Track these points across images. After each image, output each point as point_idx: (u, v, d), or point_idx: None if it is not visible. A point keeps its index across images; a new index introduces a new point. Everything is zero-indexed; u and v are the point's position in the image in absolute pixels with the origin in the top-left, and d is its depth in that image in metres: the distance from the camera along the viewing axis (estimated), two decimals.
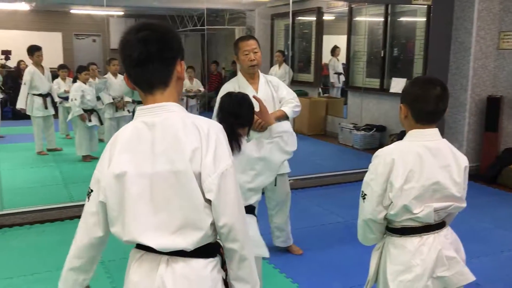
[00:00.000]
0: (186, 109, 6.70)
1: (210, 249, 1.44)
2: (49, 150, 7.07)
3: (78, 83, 6.43)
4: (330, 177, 5.88)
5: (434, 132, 1.97)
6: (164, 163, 1.36)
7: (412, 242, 1.95)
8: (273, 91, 3.46)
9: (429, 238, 1.95)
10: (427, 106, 1.92)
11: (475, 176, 6.00)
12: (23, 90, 6.74)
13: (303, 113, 8.97)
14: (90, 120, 6.50)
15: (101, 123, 6.79)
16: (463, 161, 1.98)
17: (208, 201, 1.37)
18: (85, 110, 6.46)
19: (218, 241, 1.47)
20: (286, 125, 2.56)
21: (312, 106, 9.02)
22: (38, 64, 6.78)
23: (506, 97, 5.90)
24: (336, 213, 4.82)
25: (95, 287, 3.24)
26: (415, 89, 1.97)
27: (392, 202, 1.92)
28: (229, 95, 2.50)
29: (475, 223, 4.48)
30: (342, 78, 9.45)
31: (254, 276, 1.48)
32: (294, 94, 3.54)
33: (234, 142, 2.28)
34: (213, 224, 1.40)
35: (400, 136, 6.87)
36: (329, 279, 3.42)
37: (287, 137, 2.47)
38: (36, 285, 3.34)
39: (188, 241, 1.38)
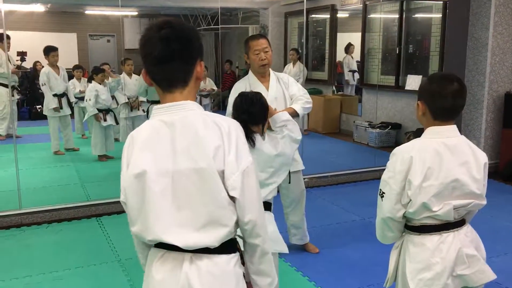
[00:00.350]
0: None
1: (231, 245, 1.44)
2: (66, 149, 7.13)
3: (93, 83, 6.48)
4: (346, 175, 5.85)
5: (452, 129, 1.95)
6: (185, 161, 1.36)
7: (431, 240, 1.93)
8: (284, 88, 3.46)
9: (449, 236, 1.93)
10: (445, 102, 1.91)
11: (493, 174, 5.92)
12: (46, 90, 6.82)
13: (318, 112, 8.96)
14: (105, 120, 6.53)
15: (117, 122, 6.83)
16: (483, 158, 1.95)
17: (232, 198, 1.38)
18: (100, 110, 6.49)
19: (236, 237, 1.49)
20: (286, 115, 2.62)
21: (326, 104, 8.98)
22: (53, 65, 6.84)
23: None
24: (352, 211, 4.79)
25: (113, 285, 3.30)
26: (432, 86, 1.95)
27: (411, 200, 1.90)
28: (241, 94, 2.53)
29: (494, 221, 4.42)
30: (357, 75, 9.37)
31: (273, 270, 1.51)
32: (305, 91, 3.53)
33: (249, 140, 2.32)
34: (236, 221, 1.41)
35: (416, 133, 6.82)
36: (346, 278, 3.40)
37: (292, 125, 2.57)
38: (55, 282, 3.37)
39: (213, 238, 1.38)
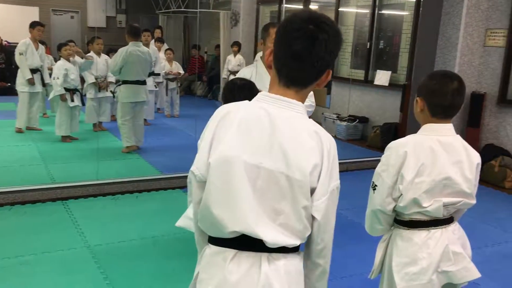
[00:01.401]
0: (166, 92, 6.68)
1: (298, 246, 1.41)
2: (28, 128, 6.86)
3: (62, 61, 6.22)
4: None
5: (448, 127, 1.98)
6: (280, 162, 1.30)
7: (419, 235, 1.96)
8: None
9: (437, 232, 1.96)
10: (444, 100, 1.93)
11: None
12: (22, 61, 6.57)
13: None
14: (72, 100, 6.30)
15: (83, 103, 6.61)
16: (476, 158, 1.99)
17: (311, 216, 1.34)
18: (67, 90, 6.26)
19: None
20: None
21: None
22: (35, 40, 6.71)
23: (489, 94, 6.01)
24: None
25: (83, 271, 3.20)
26: (432, 83, 1.97)
27: (402, 194, 1.92)
28: (232, 82, 2.50)
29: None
30: None
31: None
32: (311, 92, 3.49)
33: None
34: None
35: (383, 128, 6.95)
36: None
37: None
38: (21, 267, 3.23)
39: (292, 240, 1.34)
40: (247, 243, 1.32)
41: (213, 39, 10.94)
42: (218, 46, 10.52)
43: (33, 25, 6.64)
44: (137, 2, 11.49)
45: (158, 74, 8.05)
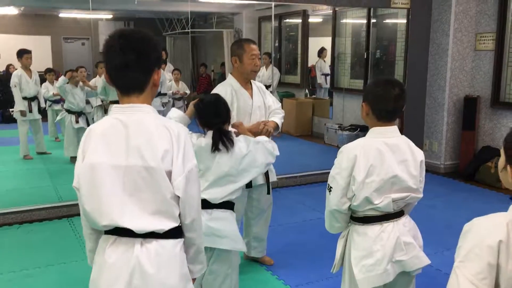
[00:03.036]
0: None
1: (177, 231, 1.61)
2: (38, 153, 7.15)
3: (67, 85, 6.54)
4: (314, 175, 6.04)
5: (393, 129, 2.14)
6: (137, 158, 1.53)
7: (373, 229, 2.12)
8: (263, 98, 3.48)
9: (389, 226, 2.12)
10: (388, 105, 2.09)
11: (454, 173, 6.20)
12: (16, 93, 6.75)
13: (290, 114, 9.14)
14: (77, 122, 6.57)
15: (88, 124, 6.88)
16: (420, 156, 2.15)
17: (177, 196, 1.56)
18: (71, 112, 6.53)
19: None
20: (265, 138, 2.79)
21: (298, 107, 9.18)
22: (26, 68, 6.78)
23: (482, 97, 6.10)
24: (318, 209, 4.97)
25: (83, 282, 3.39)
26: (377, 90, 2.14)
27: (355, 194, 2.08)
28: (201, 100, 2.63)
29: (451, 217, 4.65)
30: (329, 79, 9.63)
31: (204, 258, 1.77)
32: (279, 103, 3.60)
33: (227, 139, 2.51)
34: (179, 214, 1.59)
35: None
36: (307, 269, 3.57)
37: (272, 143, 2.76)
38: (25, 279, 3.46)
39: (161, 225, 1.56)
40: (123, 231, 1.55)
41: (218, 57, 11.22)
42: (223, 64, 10.79)
43: (20, 53, 6.67)
44: (144, 26, 11.84)
45: (165, 94, 8.32)
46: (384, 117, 2.12)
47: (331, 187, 2.16)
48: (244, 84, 3.39)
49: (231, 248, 2.64)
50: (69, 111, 6.56)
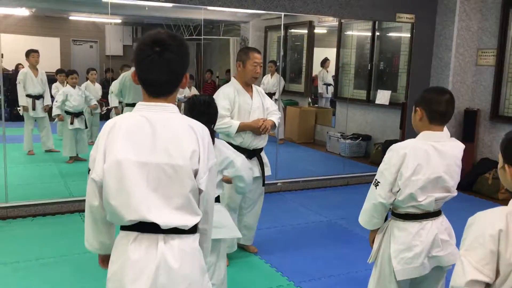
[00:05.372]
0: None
1: (195, 227, 1.69)
2: (46, 151, 7.29)
3: (66, 87, 6.69)
4: (316, 181, 6.21)
5: (442, 134, 2.32)
6: (163, 156, 1.59)
7: (413, 226, 2.32)
8: (262, 100, 3.84)
9: (428, 224, 2.33)
10: (440, 107, 2.28)
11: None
12: (19, 89, 6.97)
13: (293, 122, 9.34)
14: (72, 123, 6.66)
15: (86, 126, 6.98)
16: (460, 157, 2.34)
17: (198, 192, 1.65)
18: (69, 113, 6.68)
19: None
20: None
21: (302, 115, 9.37)
22: (33, 66, 6.97)
23: (482, 110, 6.30)
24: (320, 213, 5.15)
25: (94, 271, 3.54)
26: (430, 94, 2.34)
27: (400, 189, 2.26)
28: (195, 96, 2.75)
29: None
30: (331, 89, 9.81)
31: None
32: (276, 106, 3.96)
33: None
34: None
35: (384, 145, 7.25)
36: (310, 269, 3.73)
37: (243, 171, 2.89)
38: (41, 267, 3.63)
39: (185, 221, 1.63)
40: (146, 227, 1.60)
41: (224, 64, 11.43)
42: (228, 71, 11.00)
43: (27, 53, 6.96)
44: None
45: None
46: (436, 119, 2.29)
47: (378, 182, 2.33)
48: (245, 87, 3.74)
49: (231, 236, 2.86)
50: (67, 112, 6.68)
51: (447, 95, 2.30)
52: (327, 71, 9.94)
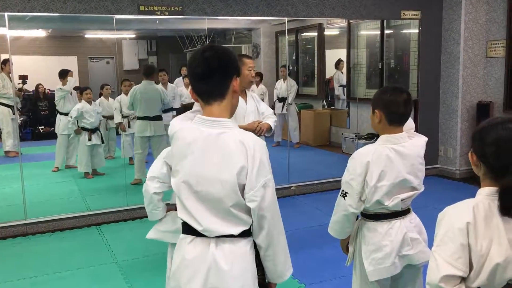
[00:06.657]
0: None
1: (247, 231, 1.76)
2: (67, 167, 7.48)
3: (81, 104, 6.80)
4: (331, 183, 6.20)
5: (402, 136, 2.30)
6: (214, 171, 1.68)
7: (382, 226, 2.32)
8: (257, 104, 3.93)
9: (397, 223, 2.32)
10: (399, 109, 2.25)
11: (469, 179, 6.29)
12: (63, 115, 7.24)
13: (309, 125, 9.36)
14: (89, 139, 6.78)
15: (103, 141, 7.10)
16: (422, 154, 2.33)
17: (248, 206, 1.69)
18: (85, 129, 6.81)
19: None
20: None
21: (316, 118, 9.37)
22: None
23: (495, 103, 6.20)
24: None
25: (110, 282, 3.65)
26: (386, 96, 2.29)
27: (367, 197, 2.27)
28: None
29: None
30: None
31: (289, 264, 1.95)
32: (271, 110, 4.05)
33: None
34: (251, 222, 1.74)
35: None
36: (321, 271, 3.75)
37: None
38: (58, 281, 3.74)
39: (231, 230, 1.71)
40: (200, 232, 1.73)
41: None
42: None
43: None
44: (166, 44, 12.27)
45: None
46: (395, 121, 2.27)
47: (346, 193, 2.30)
48: (240, 93, 3.76)
49: None
50: (83, 128, 6.82)
51: (404, 95, 2.26)
52: (342, 73, 9.92)
